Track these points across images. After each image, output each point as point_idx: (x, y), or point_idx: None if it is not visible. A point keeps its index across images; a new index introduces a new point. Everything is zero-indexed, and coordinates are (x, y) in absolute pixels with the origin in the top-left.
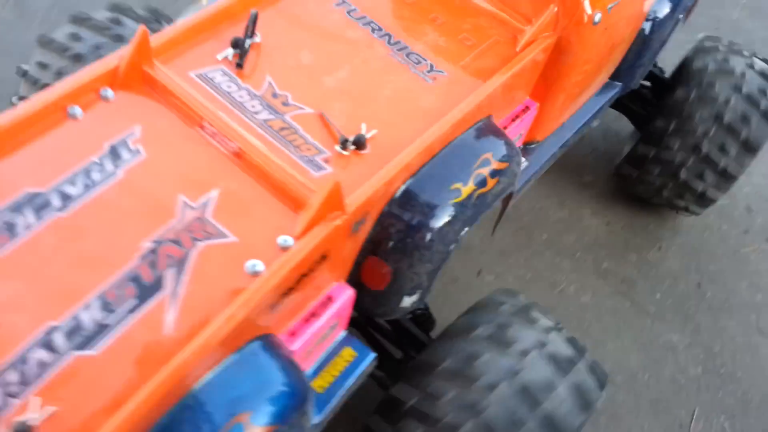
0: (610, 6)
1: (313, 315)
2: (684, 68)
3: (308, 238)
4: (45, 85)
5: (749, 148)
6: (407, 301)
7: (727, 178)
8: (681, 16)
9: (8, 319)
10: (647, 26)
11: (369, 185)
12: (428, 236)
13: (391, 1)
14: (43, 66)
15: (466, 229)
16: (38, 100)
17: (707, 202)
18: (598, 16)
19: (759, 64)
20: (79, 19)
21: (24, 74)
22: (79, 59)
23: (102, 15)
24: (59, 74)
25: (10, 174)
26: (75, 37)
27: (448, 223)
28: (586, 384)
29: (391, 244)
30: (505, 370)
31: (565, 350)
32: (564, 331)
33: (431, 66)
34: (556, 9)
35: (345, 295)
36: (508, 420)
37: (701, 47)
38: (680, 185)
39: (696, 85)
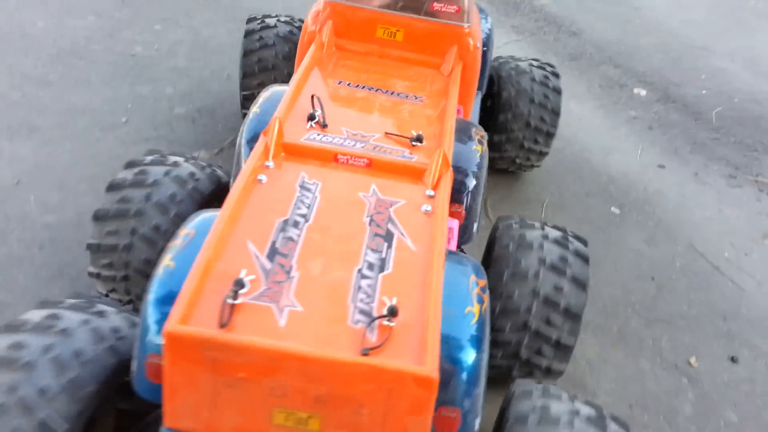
0: (471, 44)
1: (449, 239)
2: (496, 79)
3: (441, 186)
4: (126, 246)
5: (555, 113)
6: (475, 227)
7: (549, 135)
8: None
9: (332, 276)
10: (486, 52)
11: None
12: (475, 181)
13: (365, 74)
14: (113, 233)
15: (486, 173)
16: (241, 179)
17: (543, 156)
18: (478, 44)
19: (536, 72)
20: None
21: (98, 248)
22: (141, 213)
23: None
24: (134, 232)
25: (256, 219)
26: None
27: (481, 170)
28: (579, 272)
29: (460, 192)
30: (531, 293)
31: (558, 252)
32: (550, 235)
33: (415, 96)
34: (456, 47)
35: (455, 225)
36: (545, 324)
37: (499, 63)
38: (527, 150)
39: (511, 87)
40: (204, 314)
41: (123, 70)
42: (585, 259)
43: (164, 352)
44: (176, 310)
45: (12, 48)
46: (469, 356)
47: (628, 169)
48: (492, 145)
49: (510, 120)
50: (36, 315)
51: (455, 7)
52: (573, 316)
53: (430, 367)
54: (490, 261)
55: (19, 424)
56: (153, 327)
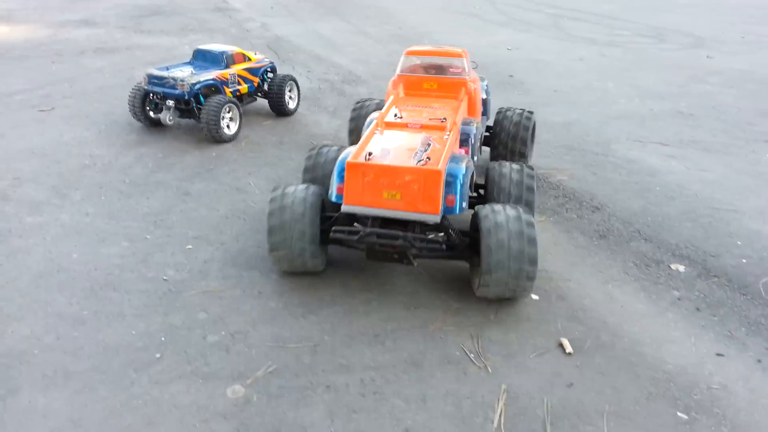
0: (471, 82)
1: (463, 153)
2: (496, 122)
3: (453, 132)
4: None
5: (523, 141)
6: (476, 159)
7: (521, 153)
8: (490, 98)
9: (405, 153)
10: (484, 97)
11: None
12: (473, 139)
13: (419, 102)
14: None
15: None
16: (368, 133)
17: (526, 159)
18: (477, 87)
19: (518, 111)
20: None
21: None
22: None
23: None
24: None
25: (377, 144)
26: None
27: (477, 134)
28: (529, 183)
29: (466, 143)
30: (508, 196)
31: (518, 176)
32: (514, 167)
33: (443, 108)
34: (464, 89)
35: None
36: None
37: (499, 112)
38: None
39: (502, 127)
40: (359, 160)
41: (155, 298)
42: (531, 176)
43: (346, 171)
44: (351, 159)
45: (47, 285)
46: (461, 176)
47: (686, 361)
48: (496, 156)
49: (498, 145)
50: (277, 189)
51: (460, 69)
52: (531, 203)
53: (441, 168)
54: (487, 184)
55: (301, 232)
56: (337, 175)
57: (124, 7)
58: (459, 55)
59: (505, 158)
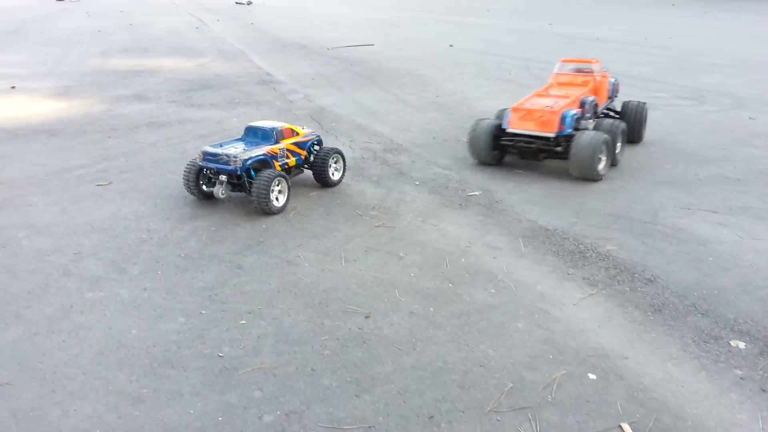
0: (598, 77)
1: (580, 113)
2: (623, 108)
3: (574, 98)
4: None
5: (639, 122)
6: (589, 116)
7: (639, 121)
8: (616, 92)
9: (542, 106)
10: (610, 87)
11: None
12: (588, 103)
13: (564, 88)
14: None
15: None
16: (529, 95)
17: (641, 132)
18: (603, 79)
19: (634, 104)
20: None
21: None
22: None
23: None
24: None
25: (533, 101)
26: None
27: (592, 103)
28: (622, 128)
29: (583, 106)
30: (609, 131)
31: (610, 125)
32: (609, 120)
33: (578, 91)
34: (592, 81)
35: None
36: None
37: (624, 103)
38: (636, 129)
39: (628, 112)
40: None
41: (212, 376)
42: (623, 132)
43: (510, 111)
44: (513, 105)
45: (108, 362)
46: (569, 116)
47: None
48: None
49: (628, 122)
50: (474, 122)
51: (590, 70)
52: (616, 136)
53: (557, 110)
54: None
55: (481, 142)
56: (506, 114)
57: (173, 81)
58: (590, 62)
59: (630, 133)
